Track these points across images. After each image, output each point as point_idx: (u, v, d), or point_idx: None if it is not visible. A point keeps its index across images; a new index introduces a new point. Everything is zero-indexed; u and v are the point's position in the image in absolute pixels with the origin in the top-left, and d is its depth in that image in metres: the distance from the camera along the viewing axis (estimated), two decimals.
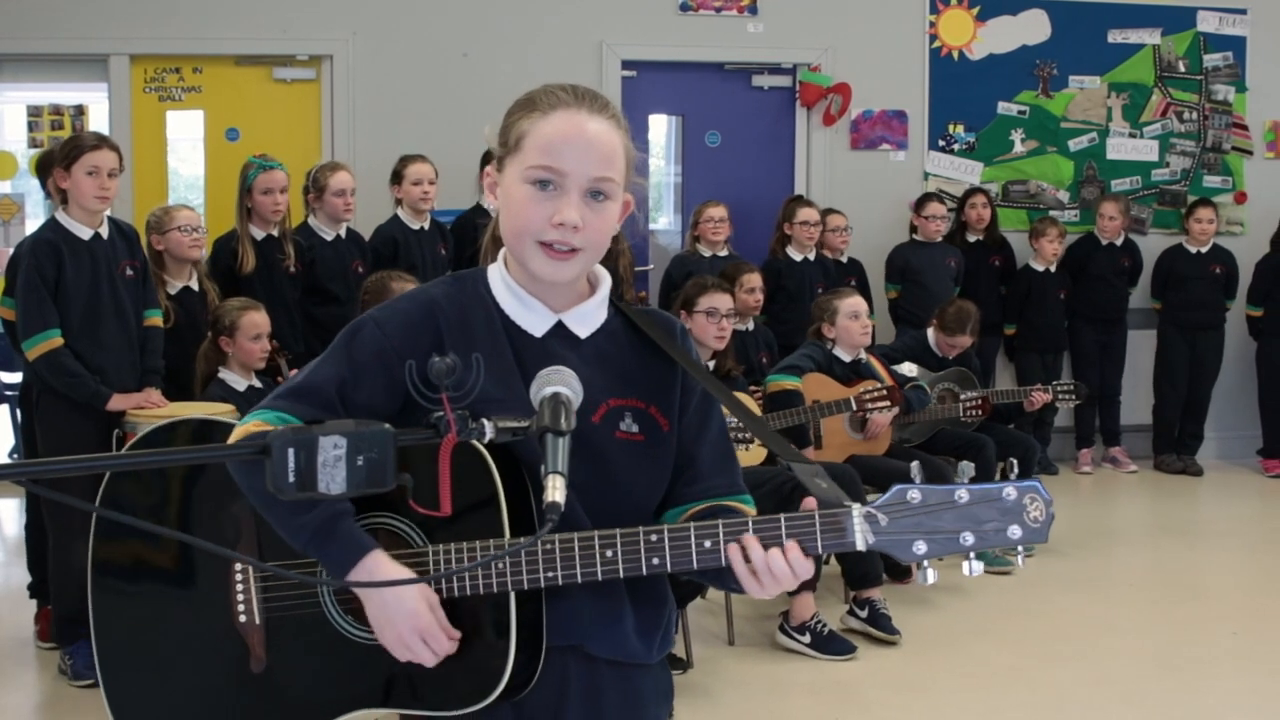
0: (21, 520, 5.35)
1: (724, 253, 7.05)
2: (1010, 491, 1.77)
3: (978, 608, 5.49)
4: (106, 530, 2.06)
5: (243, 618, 1.97)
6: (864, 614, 5.13)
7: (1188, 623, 5.43)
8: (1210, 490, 7.99)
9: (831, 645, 4.93)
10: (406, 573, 1.82)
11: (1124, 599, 5.80)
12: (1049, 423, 8.14)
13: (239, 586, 1.97)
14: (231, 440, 1.86)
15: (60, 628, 4.67)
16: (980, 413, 6.04)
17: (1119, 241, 8.22)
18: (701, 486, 1.96)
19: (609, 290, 1.98)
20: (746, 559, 1.77)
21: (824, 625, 4.96)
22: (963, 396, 6.08)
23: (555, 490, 1.56)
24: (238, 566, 1.97)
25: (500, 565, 1.82)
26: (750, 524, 1.79)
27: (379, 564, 1.79)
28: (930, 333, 6.47)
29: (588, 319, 1.94)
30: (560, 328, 1.92)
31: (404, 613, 1.80)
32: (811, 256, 7.30)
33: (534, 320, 1.92)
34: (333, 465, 1.52)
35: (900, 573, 5.77)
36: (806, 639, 4.95)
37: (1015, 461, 1.92)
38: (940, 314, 6.49)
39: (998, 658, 4.97)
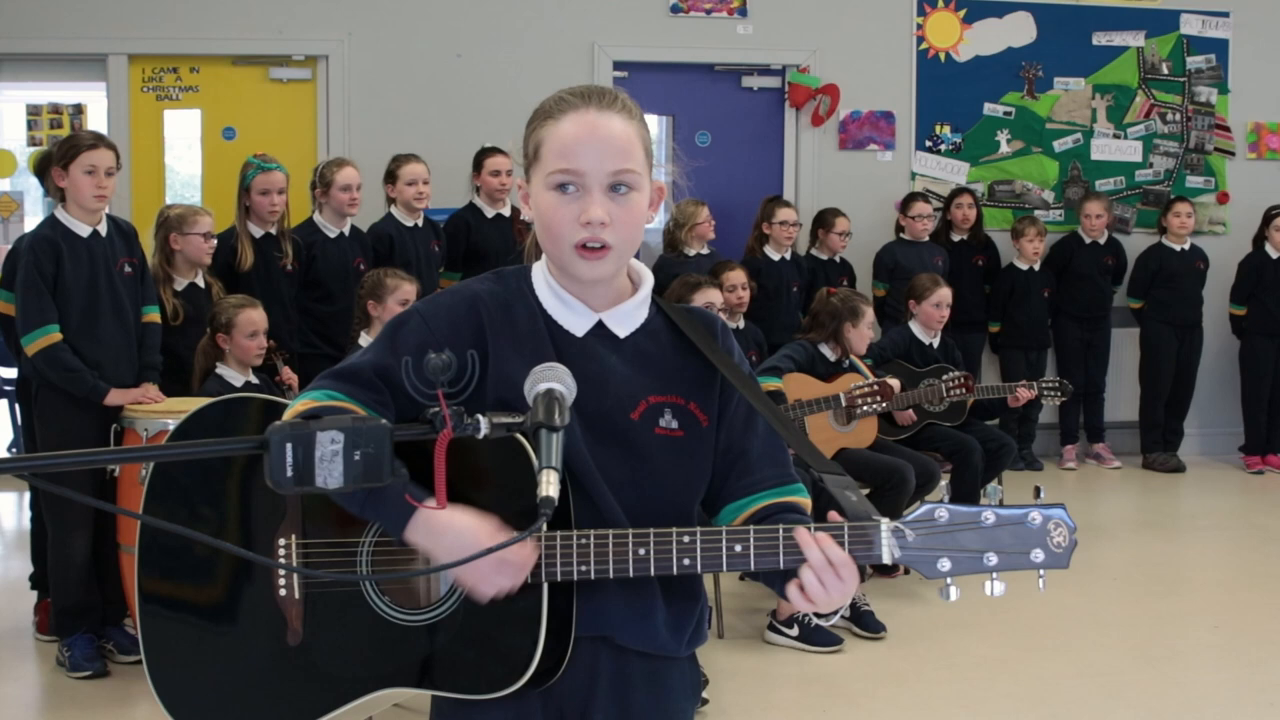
0: (20, 514, 5.39)
1: (706, 251, 7.13)
2: (1035, 516, 1.81)
3: (962, 601, 5.46)
4: (153, 513, 2.06)
5: (282, 591, 1.99)
6: (847, 613, 5.20)
7: (1169, 616, 5.51)
8: (1193, 486, 8.07)
9: (818, 638, 5.01)
10: (462, 520, 1.80)
11: (1107, 592, 5.86)
12: (1034, 419, 8.23)
13: (280, 559, 2.00)
14: (285, 418, 1.85)
15: (59, 620, 4.72)
16: (964, 390, 6.03)
17: (1102, 240, 8.31)
18: (754, 479, 1.97)
19: (651, 289, 1.99)
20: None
21: (811, 619, 5.04)
22: (945, 376, 6.05)
23: (549, 485, 1.59)
24: (281, 540, 2.00)
25: None
26: (780, 532, 1.81)
27: (432, 515, 1.79)
28: (914, 325, 6.43)
29: (628, 318, 1.96)
30: (600, 327, 1.94)
31: (472, 550, 1.73)
32: (789, 256, 7.38)
33: (575, 320, 1.93)
34: (330, 460, 1.55)
35: (888, 568, 5.84)
36: (794, 632, 5.03)
37: (1042, 488, 1.93)
38: (910, 291, 6.47)
39: (982, 650, 5.03)
